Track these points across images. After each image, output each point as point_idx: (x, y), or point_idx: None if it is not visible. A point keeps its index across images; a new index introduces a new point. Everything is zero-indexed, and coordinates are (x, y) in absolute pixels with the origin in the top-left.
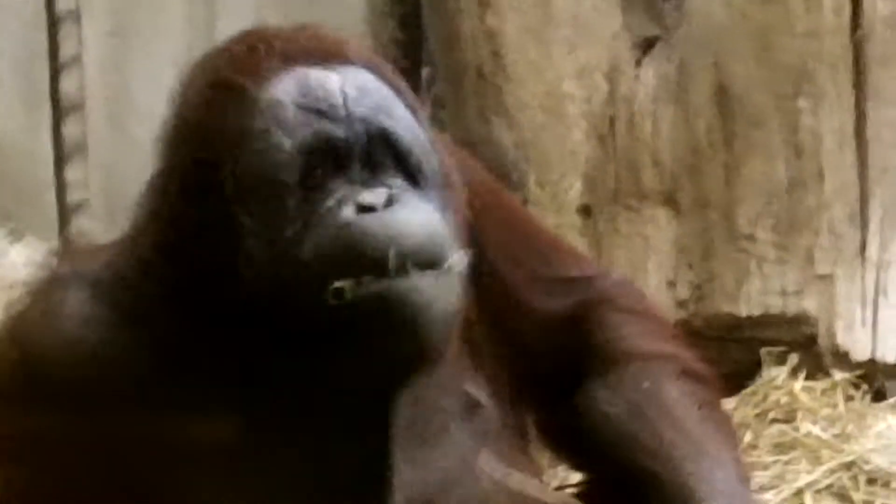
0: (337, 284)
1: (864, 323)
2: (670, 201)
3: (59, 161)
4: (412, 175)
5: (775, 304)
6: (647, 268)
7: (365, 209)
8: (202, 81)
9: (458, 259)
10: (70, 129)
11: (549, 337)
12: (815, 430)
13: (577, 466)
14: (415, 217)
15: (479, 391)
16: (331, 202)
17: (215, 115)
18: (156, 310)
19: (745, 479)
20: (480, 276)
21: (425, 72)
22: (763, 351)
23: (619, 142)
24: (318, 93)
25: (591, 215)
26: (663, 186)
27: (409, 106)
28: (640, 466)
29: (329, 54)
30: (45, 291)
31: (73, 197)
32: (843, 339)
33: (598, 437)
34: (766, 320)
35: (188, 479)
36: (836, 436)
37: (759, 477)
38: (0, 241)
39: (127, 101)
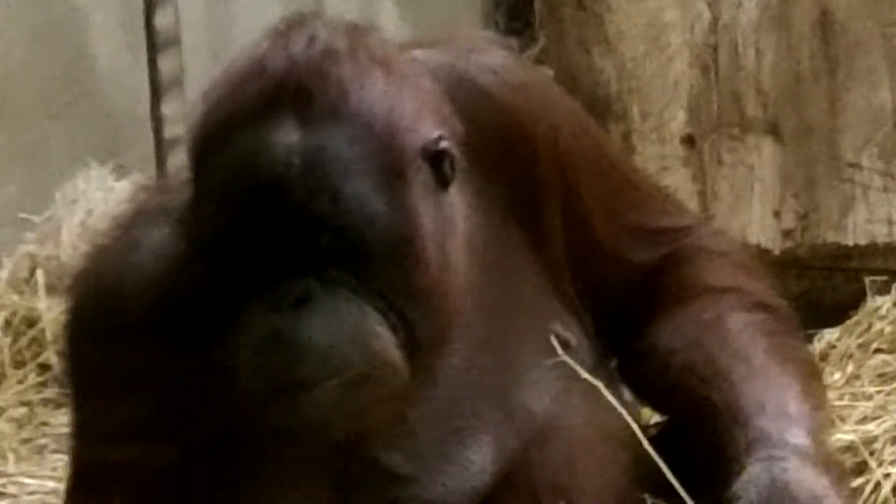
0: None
1: None
2: (774, 130)
3: (156, 96)
4: (354, 261)
5: (881, 233)
6: (752, 198)
7: (274, 305)
8: (208, 101)
9: (375, 358)
10: (166, 64)
11: (635, 286)
12: None
13: (655, 408)
14: (306, 331)
15: (568, 332)
16: (255, 284)
17: (196, 146)
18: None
19: (810, 405)
20: (571, 224)
21: None
22: (867, 280)
23: (721, 71)
24: (264, 160)
25: (695, 145)
26: (766, 115)
27: (381, 167)
28: (698, 395)
29: (314, 100)
30: (129, 226)
31: (170, 132)
32: None
33: (662, 373)
34: (871, 249)
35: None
36: None
37: (862, 408)
38: (105, 178)
39: (225, 33)
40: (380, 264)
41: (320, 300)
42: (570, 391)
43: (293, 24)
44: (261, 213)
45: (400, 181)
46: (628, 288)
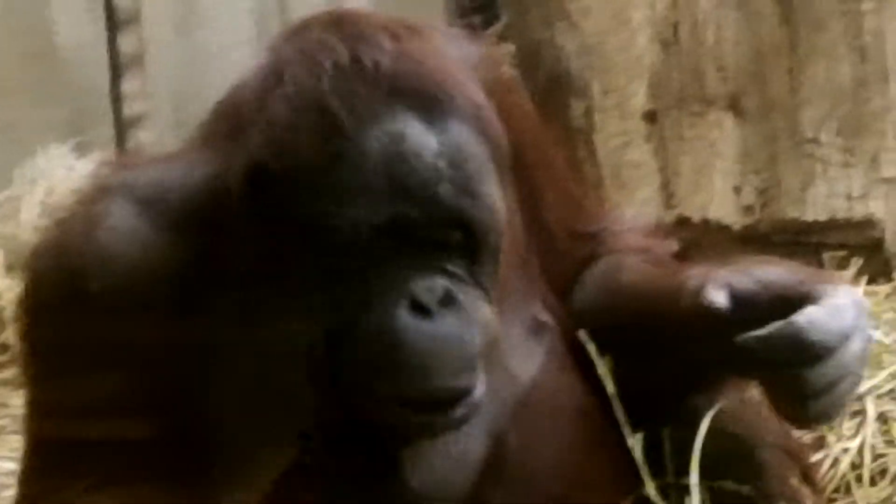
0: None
1: None
2: (735, 106)
3: (116, 73)
4: (473, 255)
5: (841, 208)
6: (713, 173)
7: (418, 306)
8: (299, 90)
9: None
10: (126, 41)
11: (572, 280)
12: (878, 334)
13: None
14: (457, 336)
15: (544, 314)
16: (388, 280)
17: (305, 140)
18: (196, 235)
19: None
20: (535, 224)
21: None
22: (826, 255)
23: (683, 47)
24: (411, 162)
25: (656, 121)
26: (727, 91)
27: (496, 162)
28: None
29: (440, 101)
30: (91, 201)
31: (130, 109)
32: None
33: (584, 325)
34: (831, 225)
35: (222, 391)
36: None
37: None
38: (66, 156)
39: (186, 10)
40: (488, 255)
41: (458, 300)
42: (549, 370)
43: (338, 19)
44: (405, 216)
45: (502, 172)
46: (567, 281)
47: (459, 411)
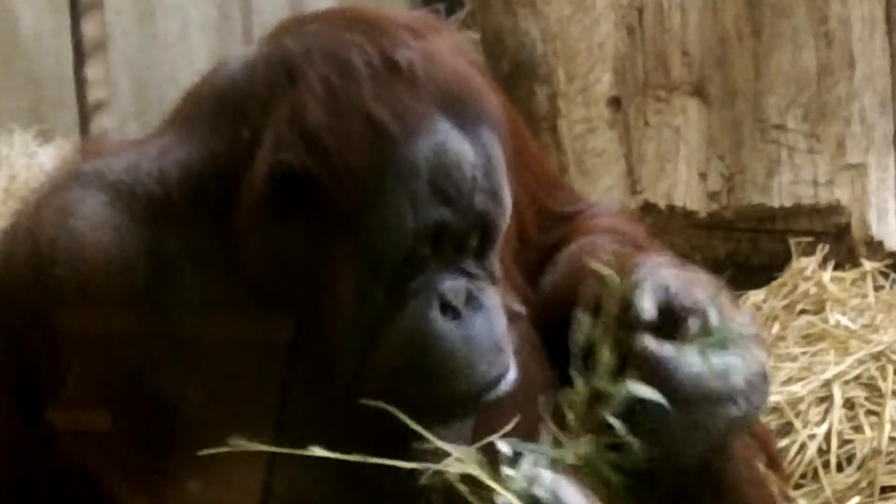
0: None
1: None
2: (699, 92)
3: (79, 60)
4: (484, 252)
5: (806, 195)
6: (678, 160)
7: (447, 307)
8: (335, 92)
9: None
10: (89, 27)
11: (542, 264)
12: (844, 320)
13: None
14: (487, 330)
15: (516, 302)
16: (419, 282)
17: (352, 147)
18: (171, 224)
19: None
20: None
21: None
22: (792, 241)
23: (647, 33)
24: (453, 173)
25: (621, 108)
26: (692, 77)
27: (505, 163)
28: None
29: (471, 107)
30: (62, 189)
31: (93, 95)
32: (875, 229)
33: (549, 311)
34: (797, 211)
35: (190, 382)
36: (864, 326)
37: (787, 369)
38: (29, 143)
39: None
40: (495, 249)
41: (479, 298)
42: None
43: (349, 14)
44: (445, 223)
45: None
46: (537, 266)
47: (497, 392)
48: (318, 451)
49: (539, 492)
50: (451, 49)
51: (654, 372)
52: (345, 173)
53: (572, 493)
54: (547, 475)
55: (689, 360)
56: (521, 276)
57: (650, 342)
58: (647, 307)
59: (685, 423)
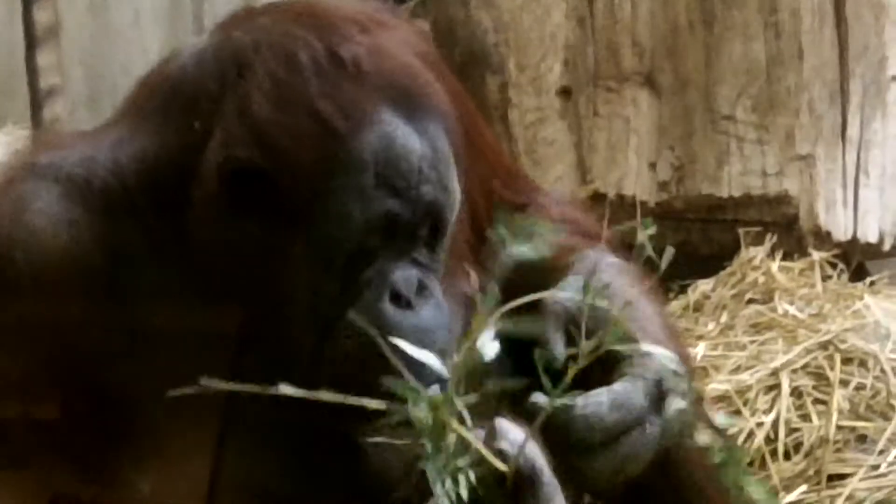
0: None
1: (845, 203)
2: (650, 82)
3: (31, 47)
4: (435, 242)
5: (756, 185)
6: (628, 150)
7: (398, 297)
8: (281, 87)
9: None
10: (41, 15)
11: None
12: (792, 309)
13: None
14: (438, 319)
15: (469, 290)
16: (371, 273)
17: (299, 143)
18: (126, 216)
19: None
20: (463, 199)
21: None
22: (741, 231)
23: (598, 23)
24: (400, 164)
25: (571, 97)
26: (643, 68)
27: (454, 153)
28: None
29: (417, 99)
30: (16, 181)
31: (45, 83)
32: (824, 220)
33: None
34: (746, 201)
35: (144, 374)
36: (812, 315)
37: (736, 357)
38: None
39: None
40: (444, 241)
41: (429, 288)
42: None
43: (297, 7)
44: (393, 214)
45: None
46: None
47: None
48: (286, 390)
49: (504, 445)
50: (400, 42)
51: (551, 428)
52: (292, 168)
53: (536, 451)
54: (513, 428)
55: (580, 402)
56: (475, 266)
57: (538, 397)
58: (488, 352)
59: (606, 460)
